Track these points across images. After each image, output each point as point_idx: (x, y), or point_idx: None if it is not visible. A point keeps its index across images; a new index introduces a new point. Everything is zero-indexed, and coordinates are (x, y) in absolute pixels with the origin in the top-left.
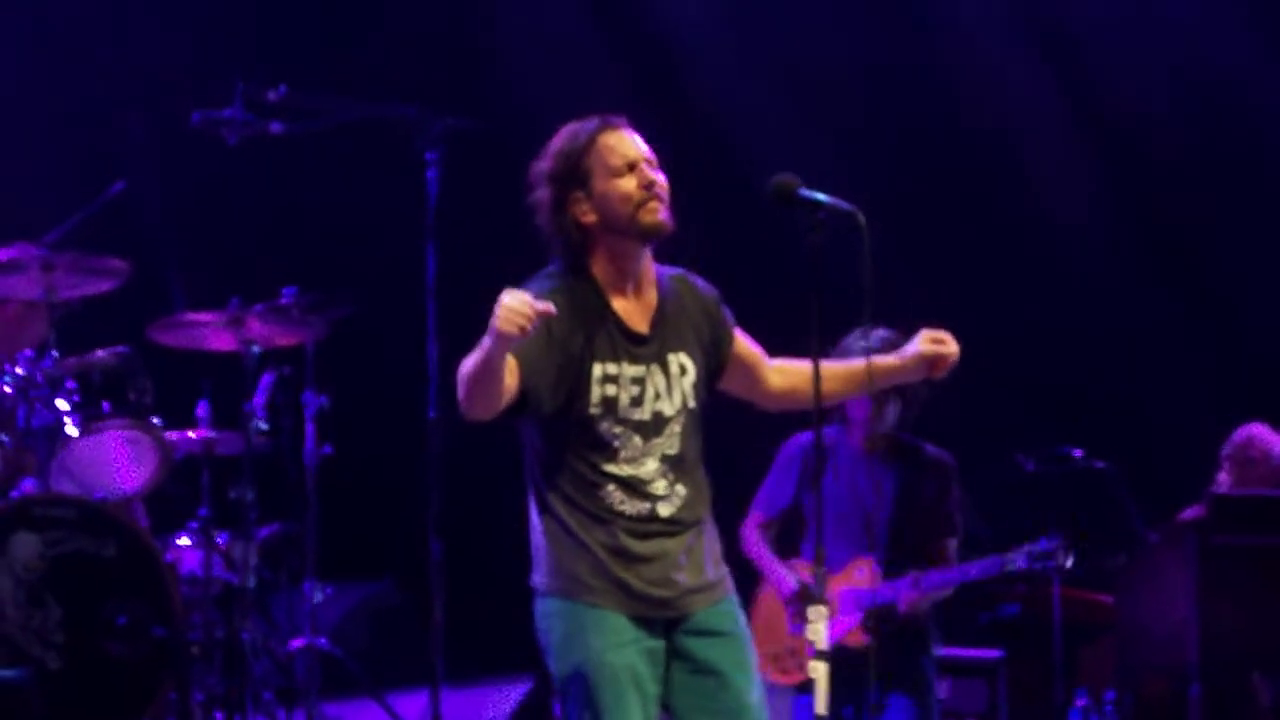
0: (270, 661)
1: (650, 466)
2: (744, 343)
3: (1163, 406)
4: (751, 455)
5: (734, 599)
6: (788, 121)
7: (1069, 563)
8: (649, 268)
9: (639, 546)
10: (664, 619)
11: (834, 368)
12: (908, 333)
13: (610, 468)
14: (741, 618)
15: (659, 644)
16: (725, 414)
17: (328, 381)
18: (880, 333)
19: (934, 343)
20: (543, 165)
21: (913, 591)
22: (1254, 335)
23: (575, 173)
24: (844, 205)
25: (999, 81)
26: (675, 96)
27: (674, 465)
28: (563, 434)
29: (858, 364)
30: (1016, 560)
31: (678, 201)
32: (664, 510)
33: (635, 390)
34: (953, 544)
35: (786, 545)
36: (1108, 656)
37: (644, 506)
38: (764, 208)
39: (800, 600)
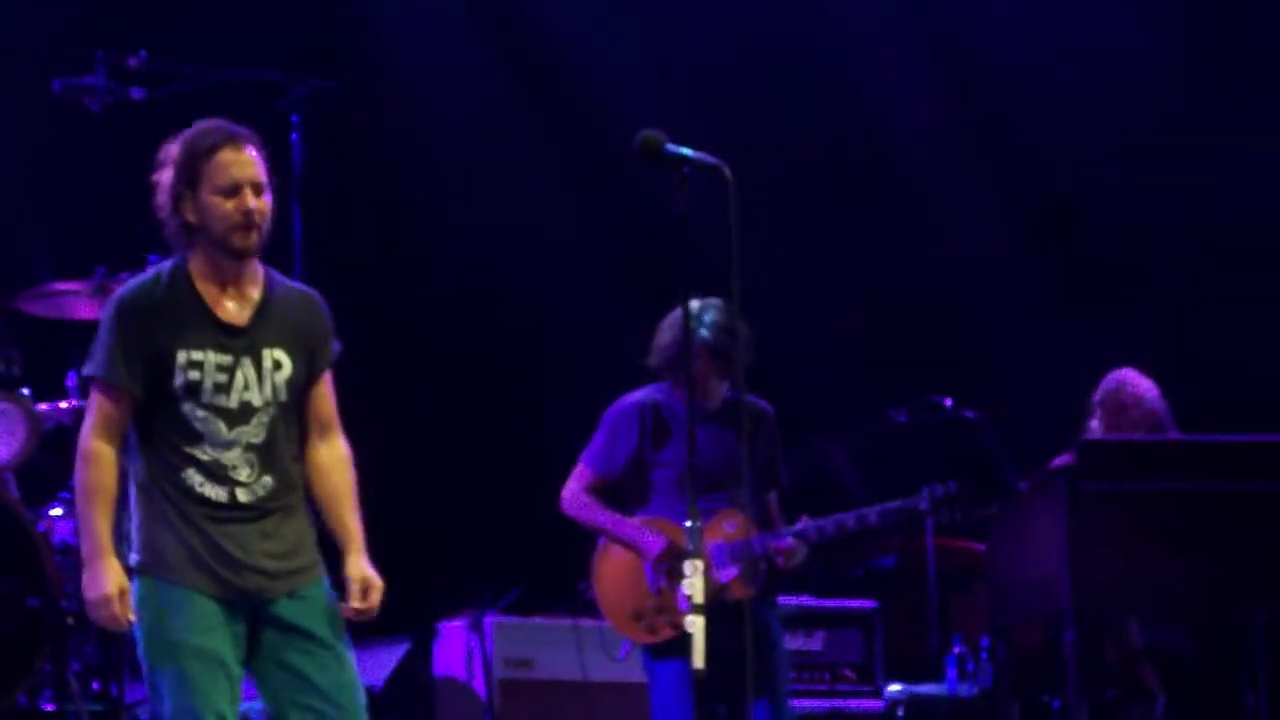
0: None
1: (234, 453)
2: (323, 392)
3: (1032, 355)
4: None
5: (324, 582)
6: (652, 80)
7: (978, 507)
8: (253, 271)
9: (216, 530)
10: (247, 604)
11: (334, 500)
12: (771, 292)
13: (193, 450)
14: (332, 597)
15: (243, 628)
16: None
17: None
18: (713, 315)
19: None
20: (172, 150)
21: (804, 540)
22: (1122, 283)
23: (191, 175)
24: (710, 159)
25: (871, 48)
26: (543, 57)
27: (260, 454)
28: (150, 416)
29: (344, 520)
30: (919, 503)
31: (543, 164)
32: (244, 497)
33: (222, 378)
34: (775, 498)
35: (615, 506)
36: (982, 605)
37: (223, 491)
38: (632, 165)
39: (672, 557)
